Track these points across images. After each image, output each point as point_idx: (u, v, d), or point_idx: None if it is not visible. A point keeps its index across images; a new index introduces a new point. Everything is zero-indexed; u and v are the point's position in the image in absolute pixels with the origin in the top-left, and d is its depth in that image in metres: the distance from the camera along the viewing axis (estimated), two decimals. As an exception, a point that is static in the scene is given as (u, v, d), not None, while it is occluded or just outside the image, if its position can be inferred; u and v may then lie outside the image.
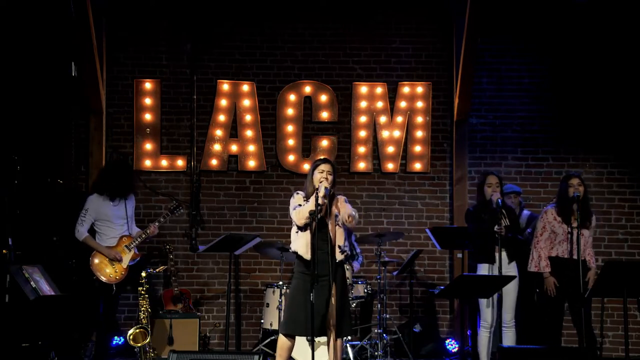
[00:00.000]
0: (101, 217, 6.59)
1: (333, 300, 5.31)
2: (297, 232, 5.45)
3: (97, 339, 6.72)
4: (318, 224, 5.27)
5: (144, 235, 6.70)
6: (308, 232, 5.34)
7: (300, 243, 5.39)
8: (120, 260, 6.55)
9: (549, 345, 5.92)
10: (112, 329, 6.88)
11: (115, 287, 6.56)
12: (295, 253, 5.47)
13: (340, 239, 5.40)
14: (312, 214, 5.21)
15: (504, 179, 6.74)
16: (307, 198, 5.45)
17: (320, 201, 5.22)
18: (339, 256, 5.38)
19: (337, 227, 5.41)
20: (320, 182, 5.35)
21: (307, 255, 5.32)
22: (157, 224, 6.79)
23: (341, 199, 5.54)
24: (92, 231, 6.66)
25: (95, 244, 6.56)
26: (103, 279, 6.48)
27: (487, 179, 6.19)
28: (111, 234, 6.62)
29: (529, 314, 6.75)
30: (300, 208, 5.37)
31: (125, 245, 6.63)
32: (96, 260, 6.52)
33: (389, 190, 8.00)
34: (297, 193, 5.55)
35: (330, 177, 5.43)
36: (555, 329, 6.09)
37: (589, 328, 6.00)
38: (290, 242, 5.54)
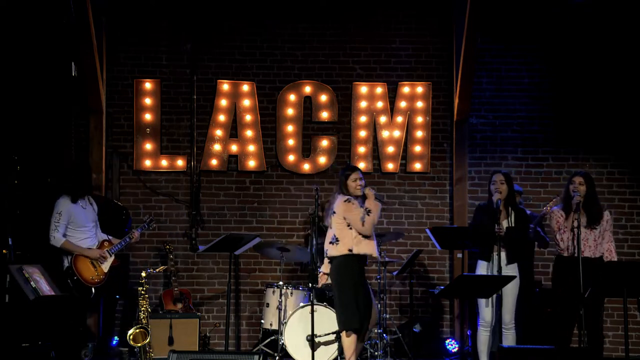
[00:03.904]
0: (73, 220, 6.48)
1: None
2: (360, 235, 5.94)
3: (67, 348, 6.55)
4: None
5: (123, 243, 6.68)
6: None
7: (371, 245, 6.00)
8: (104, 260, 6.51)
9: (552, 346, 5.91)
10: (83, 338, 6.62)
11: (95, 291, 6.49)
12: (350, 254, 5.95)
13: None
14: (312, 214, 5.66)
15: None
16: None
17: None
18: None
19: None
20: (364, 188, 6.07)
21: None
22: (140, 230, 6.78)
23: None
24: None
25: (77, 247, 6.45)
26: (84, 280, 6.40)
27: (492, 177, 6.19)
28: (81, 237, 6.52)
29: (529, 314, 6.76)
30: (370, 218, 5.91)
31: (107, 250, 6.60)
32: (79, 262, 6.45)
33: (389, 190, 8.00)
34: (353, 201, 6.01)
35: (364, 182, 6.13)
36: (566, 329, 6.04)
37: (596, 328, 5.97)
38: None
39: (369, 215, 5.87)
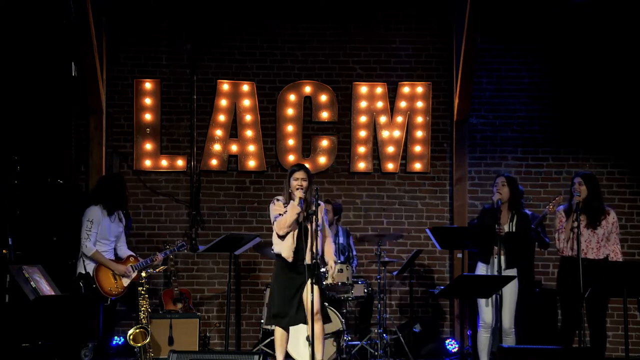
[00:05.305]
0: (98, 230, 6.59)
1: (316, 294, 5.58)
2: (279, 237, 5.75)
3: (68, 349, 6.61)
4: (299, 227, 5.66)
5: (149, 261, 6.77)
6: (289, 237, 5.69)
7: (283, 246, 5.74)
8: (128, 277, 6.61)
9: (554, 346, 5.91)
10: (83, 338, 6.73)
11: (110, 302, 6.62)
12: (278, 254, 5.80)
13: (315, 244, 5.58)
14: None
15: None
16: (286, 204, 5.71)
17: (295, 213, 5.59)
18: (308, 259, 5.63)
19: (316, 233, 5.59)
20: (297, 190, 5.63)
21: (290, 258, 5.70)
22: (163, 255, 6.87)
23: (321, 208, 5.73)
24: None
25: (105, 260, 6.57)
26: (103, 290, 6.51)
27: (496, 179, 6.23)
28: (102, 249, 6.61)
29: (529, 315, 6.75)
30: (280, 218, 5.66)
31: (132, 265, 6.68)
32: (101, 272, 6.55)
33: (389, 190, 8.00)
34: (277, 200, 5.82)
35: (305, 184, 5.68)
36: (567, 329, 6.04)
37: (600, 328, 5.99)
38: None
39: (281, 215, 5.67)
